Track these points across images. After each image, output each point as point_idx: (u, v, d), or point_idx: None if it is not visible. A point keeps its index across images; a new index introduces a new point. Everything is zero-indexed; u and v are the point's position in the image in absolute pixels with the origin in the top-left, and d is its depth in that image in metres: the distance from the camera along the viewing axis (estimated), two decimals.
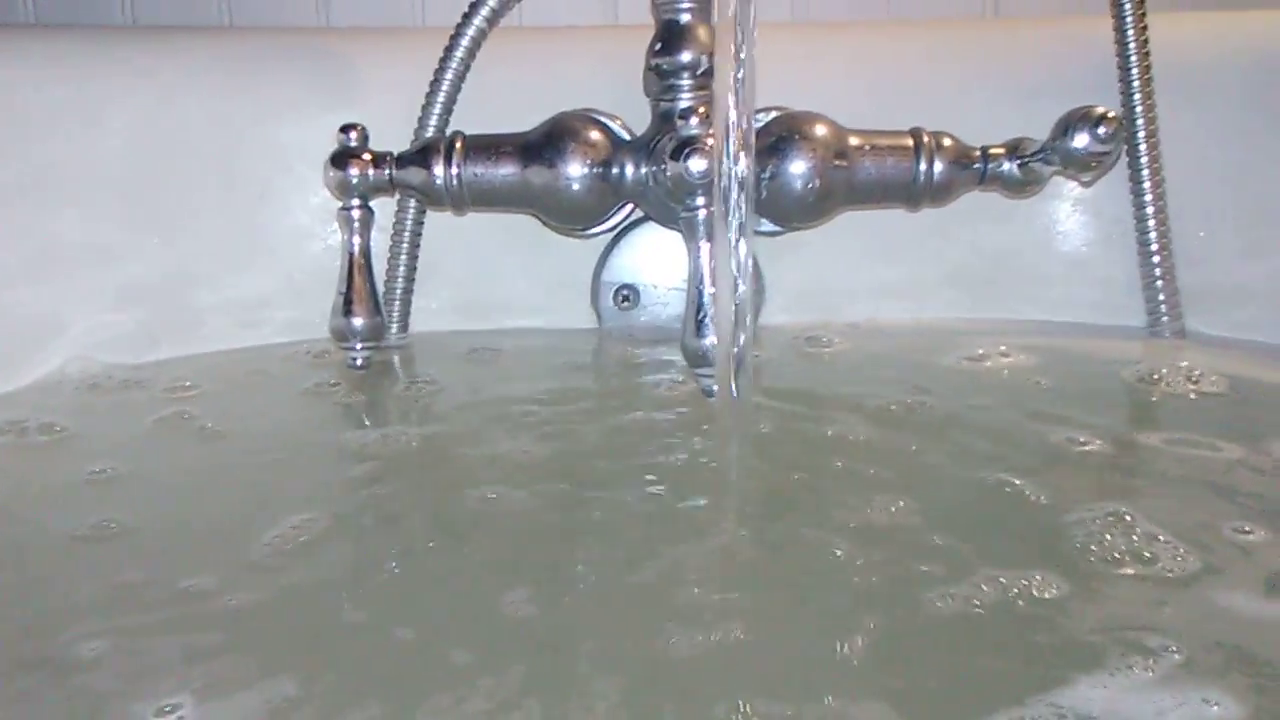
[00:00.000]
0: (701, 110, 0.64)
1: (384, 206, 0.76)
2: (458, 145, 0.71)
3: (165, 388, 0.72)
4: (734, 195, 0.56)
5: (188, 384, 0.72)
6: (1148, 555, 0.48)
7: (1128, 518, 0.51)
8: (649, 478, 0.58)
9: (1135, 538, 0.49)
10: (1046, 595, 0.45)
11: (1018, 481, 0.56)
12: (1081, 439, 0.61)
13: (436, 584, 0.49)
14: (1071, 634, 0.43)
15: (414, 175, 0.71)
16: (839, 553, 0.49)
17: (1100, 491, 0.56)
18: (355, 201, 0.72)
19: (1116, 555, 0.48)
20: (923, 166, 0.71)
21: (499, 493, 0.56)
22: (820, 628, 0.45)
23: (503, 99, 0.78)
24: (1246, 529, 0.50)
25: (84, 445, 0.64)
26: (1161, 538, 0.49)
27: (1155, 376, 0.69)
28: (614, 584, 0.48)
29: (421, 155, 0.71)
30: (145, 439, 0.65)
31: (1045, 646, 0.42)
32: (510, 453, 0.61)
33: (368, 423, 0.69)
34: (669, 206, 0.69)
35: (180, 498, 0.59)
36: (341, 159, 0.71)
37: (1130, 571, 0.47)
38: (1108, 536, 0.50)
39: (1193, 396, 0.67)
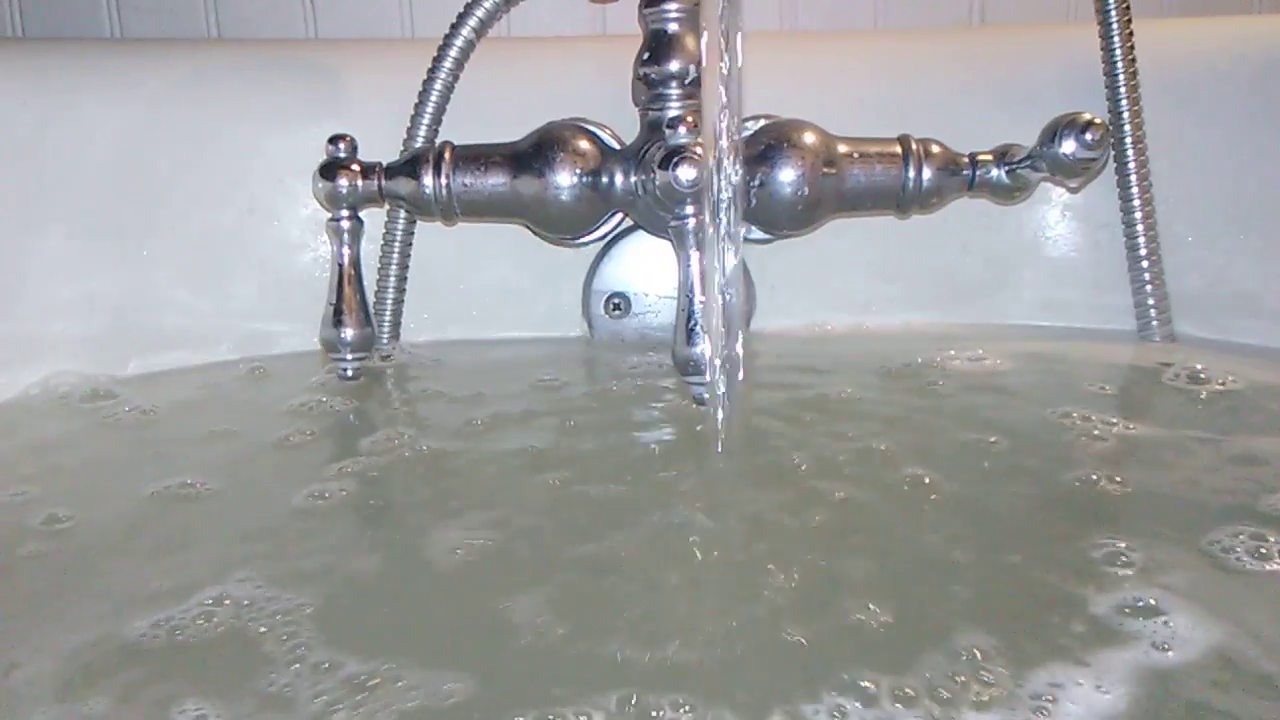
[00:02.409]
0: (690, 119, 0.64)
1: (374, 217, 0.76)
2: (447, 155, 0.71)
3: (139, 403, 0.71)
4: (723, 203, 0.57)
5: (170, 399, 0.71)
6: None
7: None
8: (640, 495, 0.58)
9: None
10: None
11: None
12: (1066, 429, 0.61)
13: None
14: None
15: (403, 186, 0.71)
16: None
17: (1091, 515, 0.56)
18: (344, 212, 0.72)
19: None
20: (911, 173, 0.71)
21: (486, 498, 0.57)
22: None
23: (491, 109, 0.78)
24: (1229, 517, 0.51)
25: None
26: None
27: (1145, 378, 0.69)
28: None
29: (410, 166, 0.71)
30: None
31: None
32: (501, 459, 0.62)
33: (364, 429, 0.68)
34: (658, 215, 0.69)
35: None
36: (330, 170, 0.71)
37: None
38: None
39: (1183, 398, 0.67)
